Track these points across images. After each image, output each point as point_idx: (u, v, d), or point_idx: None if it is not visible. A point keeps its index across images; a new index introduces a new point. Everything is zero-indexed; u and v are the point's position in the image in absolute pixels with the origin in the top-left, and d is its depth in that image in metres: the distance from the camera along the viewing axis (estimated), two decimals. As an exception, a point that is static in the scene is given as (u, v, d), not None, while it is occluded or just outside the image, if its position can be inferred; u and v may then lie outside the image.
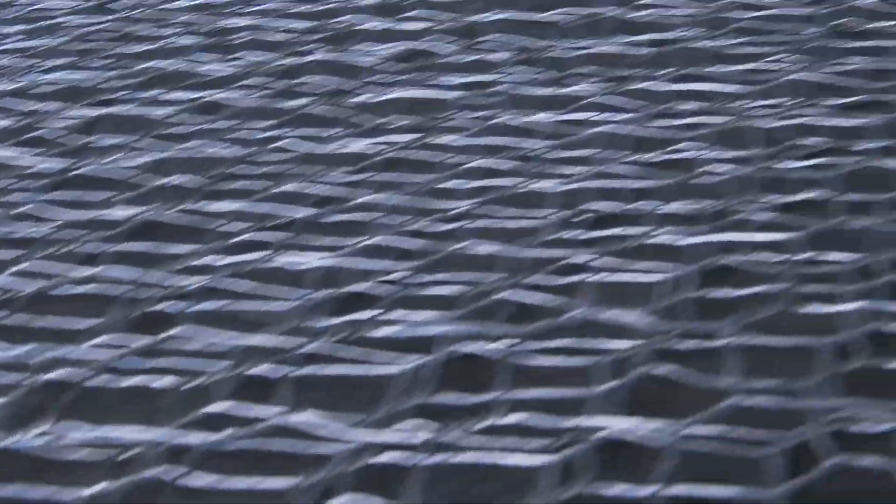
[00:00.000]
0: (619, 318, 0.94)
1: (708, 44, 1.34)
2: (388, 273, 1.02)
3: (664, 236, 1.04)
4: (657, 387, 0.88)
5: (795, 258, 1.00)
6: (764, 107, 1.23)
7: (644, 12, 1.43)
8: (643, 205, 1.08)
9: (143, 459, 0.83)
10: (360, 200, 1.12)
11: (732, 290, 0.97)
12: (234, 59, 1.41)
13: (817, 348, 0.90)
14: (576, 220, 1.07)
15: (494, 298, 0.98)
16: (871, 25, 1.35)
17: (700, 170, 1.12)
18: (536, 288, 0.99)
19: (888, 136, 1.15)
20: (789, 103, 1.22)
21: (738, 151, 1.15)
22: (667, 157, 1.15)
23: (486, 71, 1.33)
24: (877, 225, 1.03)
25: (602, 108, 1.24)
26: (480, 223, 1.08)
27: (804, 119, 1.19)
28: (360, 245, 1.06)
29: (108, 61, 1.43)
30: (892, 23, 1.36)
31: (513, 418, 0.85)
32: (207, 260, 1.05)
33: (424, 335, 0.94)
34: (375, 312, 0.97)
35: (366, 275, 1.02)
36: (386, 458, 0.82)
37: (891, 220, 1.04)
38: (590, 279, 1.00)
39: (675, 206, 1.07)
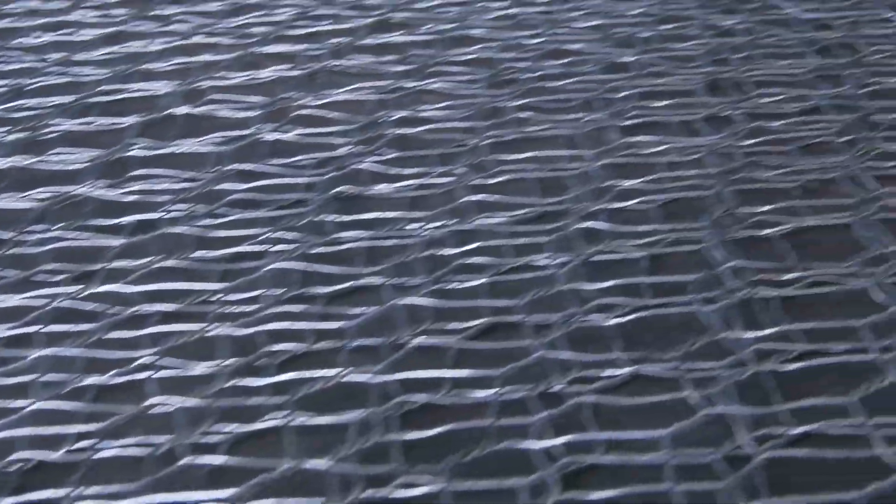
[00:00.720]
0: None
1: (193, 226, 1.17)
2: None
3: (90, 500, 0.86)
4: None
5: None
6: (242, 301, 1.07)
7: (131, 187, 1.25)
8: (79, 448, 0.90)
9: None
10: None
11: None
12: None
13: None
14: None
15: None
16: (372, 191, 1.22)
17: (154, 400, 0.95)
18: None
19: (367, 334, 1.01)
20: (272, 295, 1.06)
21: (205, 365, 0.99)
22: (119, 380, 0.98)
23: (-67, 278, 1.13)
24: (335, 466, 0.87)
25: (57, 317, 1.06)
26: None
27: (283, 322, 1.04)
28: None
29: None
30: (396, 186, 1.22)
31: None
32: None
33: None
34: None
35: None
36: None
37: (346, 456, 0.89)
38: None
39: (115, 451, 0.90)
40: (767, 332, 1.00)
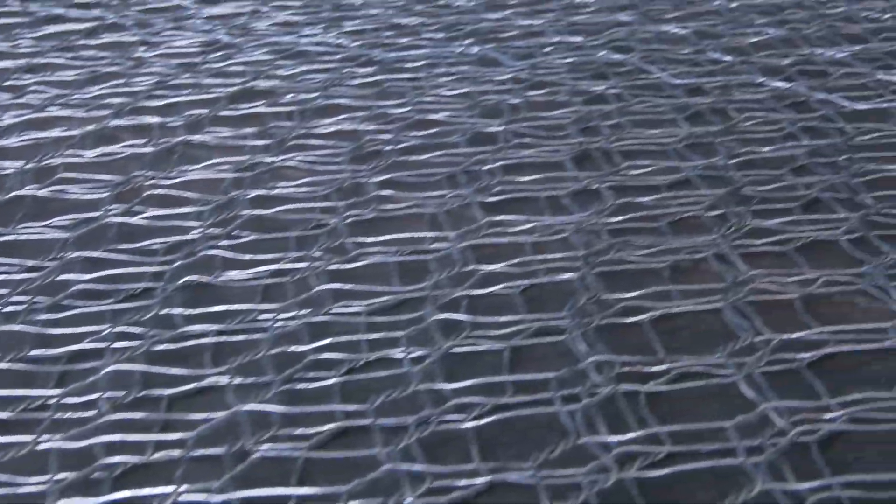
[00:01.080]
0: None
1: (31, 322, 1.10)
2: None
3: None
4: None
5: None
6: (79, 406, 1.00)
7: (-32, 279, 1.17)
8: None
9: None
10: None
11: None
12: None
13: None
14: None
15: None
16: (223, 278, 1.15)
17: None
18: None
19: (210, 442, 0.95)
20: (111, 399, 0.99)
21: (35, 480, 0.92)
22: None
23: None
24: None
25: None
26: None
27: (121, 431, 0.97)
28: None
29: None
30: (249, 272, 1.16)
31: None
32: None
33: None
34: None
35: None
36: None
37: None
38: None
39: None
40: (631, 435, 0.95)
